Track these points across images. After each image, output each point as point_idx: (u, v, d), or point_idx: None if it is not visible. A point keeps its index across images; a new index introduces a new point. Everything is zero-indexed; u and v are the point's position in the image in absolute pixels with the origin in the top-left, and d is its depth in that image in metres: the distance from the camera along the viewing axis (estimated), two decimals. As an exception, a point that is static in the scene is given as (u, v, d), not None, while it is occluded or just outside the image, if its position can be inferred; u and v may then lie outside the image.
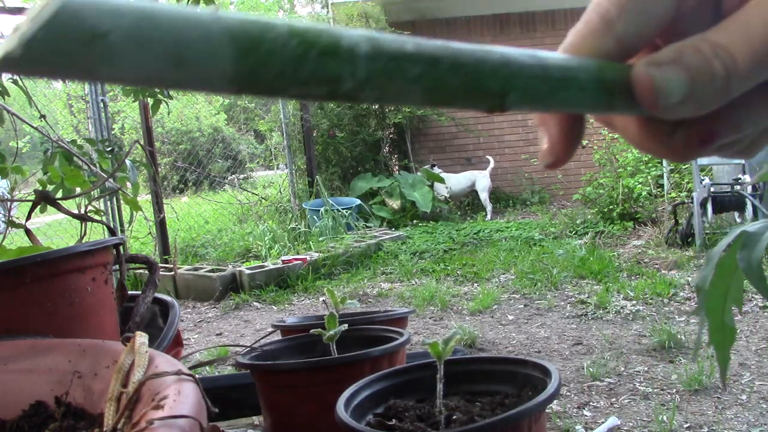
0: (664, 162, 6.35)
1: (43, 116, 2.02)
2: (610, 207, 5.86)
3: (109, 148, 2.17)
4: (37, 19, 0.19)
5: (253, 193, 8.29)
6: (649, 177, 6.13)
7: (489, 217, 7.24)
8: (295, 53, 0.23)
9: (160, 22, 0.20)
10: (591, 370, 2.78)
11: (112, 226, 1.86)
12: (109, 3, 0.20)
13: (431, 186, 7.33)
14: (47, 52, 0.19)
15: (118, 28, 0.19)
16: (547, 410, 1.24)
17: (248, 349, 1.71)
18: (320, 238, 6.03)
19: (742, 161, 4.97)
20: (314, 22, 0.25)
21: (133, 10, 0.20)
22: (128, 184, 1.75)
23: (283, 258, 5.24)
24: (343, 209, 6.42)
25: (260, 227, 6.41)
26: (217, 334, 3.95)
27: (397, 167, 8.13)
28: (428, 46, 0.27)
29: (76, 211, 1.40)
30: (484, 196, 7.38)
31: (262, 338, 1.97)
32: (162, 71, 0.21)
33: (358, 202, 6.88)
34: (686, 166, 6.17)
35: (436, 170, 7.53)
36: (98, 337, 0.99)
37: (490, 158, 7.65)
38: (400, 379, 1.25)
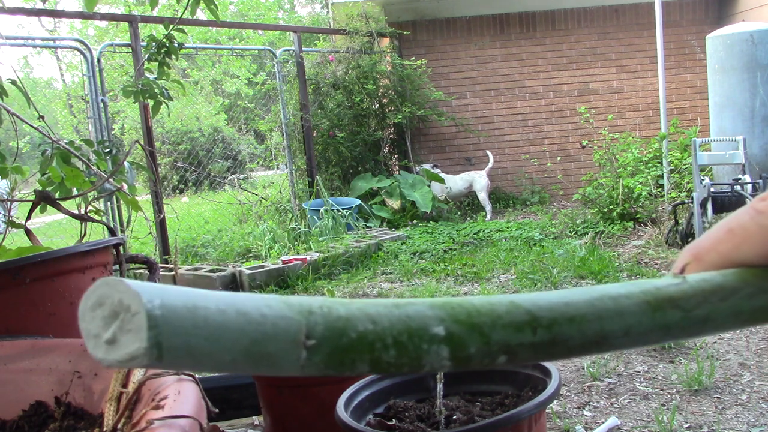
0: (664, 162, 6.35)
1: (41, 117, 2.02)
2: (610, 207, 5.86)
3: (107, 150, 2.17)
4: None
5: (253, 193, 8.29)
6: (649, 177, 6.12)
7: (489, 217, 7.24)
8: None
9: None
10: (591, 370, 2.78)
11: (112, 226, 1.86)
12: None
13: (431, 186, 7.33)
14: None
15: None
16: (547, 410, 1.23)
17: (248, 349, 1.71)
18: (320, 238, 6.02)
19: (742, 161, 4.96)
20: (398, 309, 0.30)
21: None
22: (124, 185, 1.75)
23: (283, 258, 5.24)
24: (343, 209, 6.42)
25: (260, 227, 6.41)
26: (217, 334, 3.94)
27: (397, 167, 8.13)
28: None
29: (76, 211, 1.40)
30: (482, 196, 7.37)
31: (262, 338, 1.97)
32: None
33: (358, 202, 6.88)
34: (686, 166, 6.17)
35: (435, 171, 7.53)
36: (98, 337, 0.98)
37: (489, 153, 7.62)
38: (400, 379, 1.25)
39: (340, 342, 0.27)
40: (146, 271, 1.43)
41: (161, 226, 5.62)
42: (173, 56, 2.95)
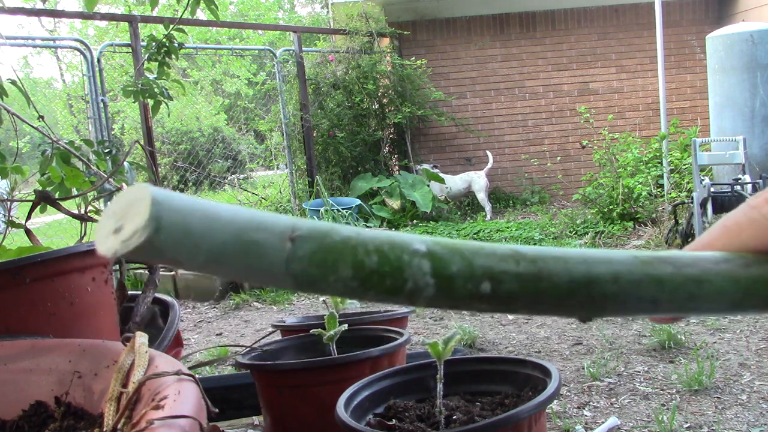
0: (664, 162, 6.36)
1: (41, 117, 2.02)
2: (610, 207, 5.86)
3: (107, 150, 2.17)
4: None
5: (253, 193, 8.29)
6: (649, 177, 6.12)
7: (489, 217, 7.24)
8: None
9: None
10: (591, 370, 2.78)
11: (112, 226, 1.85)
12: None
13: (431, 186, 7.33)
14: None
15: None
16: (547, 410, 1.23)
17: (248, 349, 1.72)
18: (320, 238, 6.01)
19: (743, 161, 4.96)
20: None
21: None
22: (124, 185, 1.75)
23: (283, 258, 5.23)
24: (343, 209, 6.42)
25: (260, 227, 6.40)
26: (217, 334, 3.94)
27: (397, 167, 8.13)
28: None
29: (76, 211, 1.40)
30: (481, 196, 7.37)
31: (262, 338, 1.98)
32: None
33: (358, 202, 6.88)
34: (686, 166, 6.17)
35: (435, 171, 7.53)
36: (98, 337, 0.99)
37: (488, 153, 7.62)
38: (400, 379, 1.25)
39: (324, 241, 0.29)
40: (146, 271, 1.43)
41: (161, 226, 5.62)
42: (173, 56, 2.95)
